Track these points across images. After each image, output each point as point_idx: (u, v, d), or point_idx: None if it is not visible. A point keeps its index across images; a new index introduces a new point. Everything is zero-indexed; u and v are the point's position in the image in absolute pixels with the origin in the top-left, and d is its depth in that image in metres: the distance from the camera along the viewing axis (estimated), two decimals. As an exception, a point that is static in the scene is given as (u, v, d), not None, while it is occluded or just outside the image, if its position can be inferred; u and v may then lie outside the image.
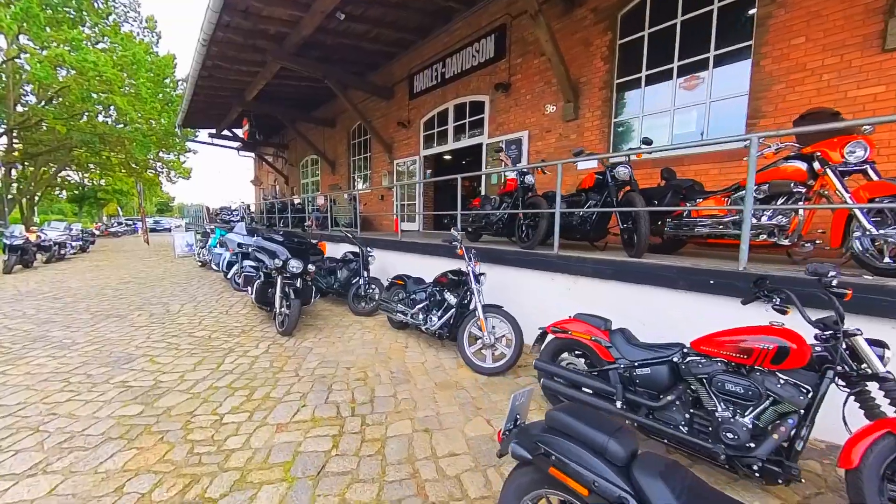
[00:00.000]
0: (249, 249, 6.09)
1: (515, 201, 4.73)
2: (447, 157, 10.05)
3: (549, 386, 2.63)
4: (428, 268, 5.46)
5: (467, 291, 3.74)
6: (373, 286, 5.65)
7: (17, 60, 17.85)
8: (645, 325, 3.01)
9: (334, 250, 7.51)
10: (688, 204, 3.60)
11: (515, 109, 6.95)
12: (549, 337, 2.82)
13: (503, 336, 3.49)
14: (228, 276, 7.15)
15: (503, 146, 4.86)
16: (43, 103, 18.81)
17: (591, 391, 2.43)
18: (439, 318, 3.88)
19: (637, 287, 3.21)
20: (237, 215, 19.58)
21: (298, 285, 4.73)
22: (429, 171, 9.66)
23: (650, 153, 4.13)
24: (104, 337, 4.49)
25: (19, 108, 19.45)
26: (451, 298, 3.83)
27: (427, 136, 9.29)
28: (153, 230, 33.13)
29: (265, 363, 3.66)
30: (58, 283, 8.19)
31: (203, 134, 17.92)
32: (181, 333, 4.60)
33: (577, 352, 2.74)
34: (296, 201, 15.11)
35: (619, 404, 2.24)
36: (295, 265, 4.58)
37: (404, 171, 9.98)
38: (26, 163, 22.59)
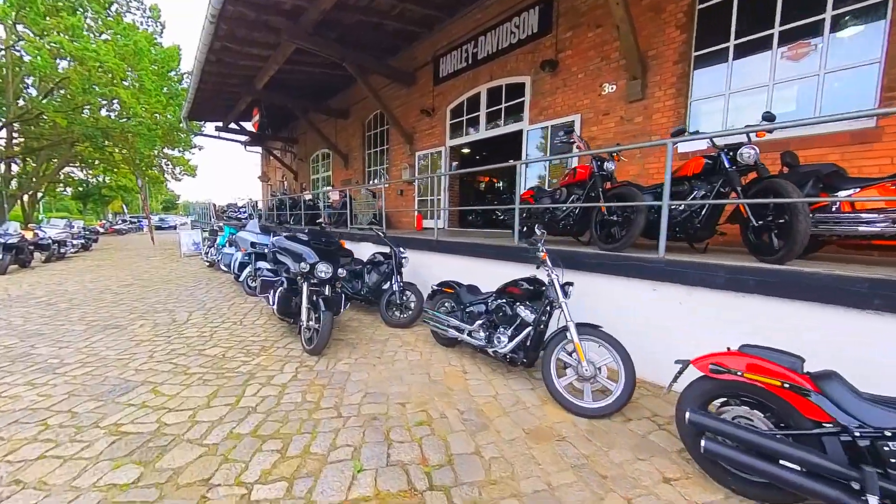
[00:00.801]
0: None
1: (589, 192, 3.93)
2: (466, 150, 9.25)
3: (712, 450, 1.84)
4: (475, 273, 4.68)
5: (548, 306, 2.97)
6: (408, 293, 4.88)
7: (15, 50, 17.19)
8: (819, 359, 2.21)
9: (357, 251, 6.75)
10: (832, 194, 2.80)
11: (564, 91, 6.13)
12: (690, 373, 2.04)
13: (603, 365, 2.71)
14: (240, 279, 6.42)
15: (570, 128, 4.02)
16: (43, 96, 18.14)
17: (797, 465, 1.63)
18: (510, 339, 3.10)
19: (796, 305, 2.41)
20: (244, 212, 18.91)
21: (327, 293, 3.97)
22: (454, 164, 8.87)
23: (757, 132, 3.31)
24: (98, 355, 3.75)
25: (20, 103, 18.86)
26: (527, 314, 3.05)
27: (454, 125, 8.48)
28: (158, 228, 32.61)
29: (296, 395, 2.90)
30: (53, 286, 7.49)
31: (209, 128, 17.23)
32: (190, 351, 3.86)
33: (745, 400, 1.95)
34: (307, 197, 14.42)
35: (874, 501, 1.43)
36: (324, 270, 3.82)
37: (427, 163, 9.18)
38: (27, 158, 22.02)
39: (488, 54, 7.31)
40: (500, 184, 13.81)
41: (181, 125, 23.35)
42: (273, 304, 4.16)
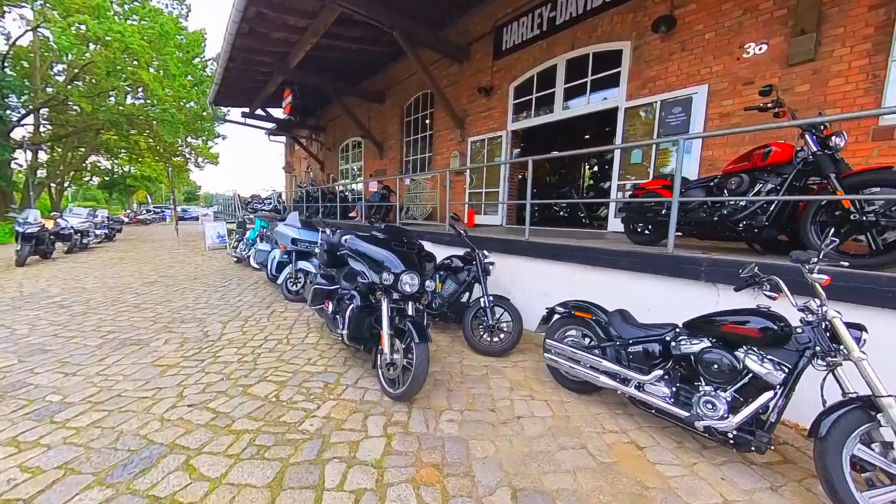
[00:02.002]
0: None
1: (793, 181, 2.72)
2: (525, 135, 8.05)
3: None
4: (589, 289, 3.56)
5: (802, 358, 1.83)
6: (498, 309, 3.79)
7: (40, 31, 16.77)
8: None
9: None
10: None
11: (682, 56, 4.88)
12: None
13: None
14: (279, 282, 5.45)
15: (769, 88, 2.81)
16: (69, 81, 17.71)
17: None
18: (731, 407, 1.97)
19: None
20: (268, 204, 18.20)
21: (411, 312, 2.93)
22: (516, 151, 7.70)
23: None
24: (112, 388, 2.81)
25: (49, 90, 18.53)
26: (768, 371, 1.90)
27: (519, 105, 7.31)
28: (180, 219, 32.53)
29: (404, 489, 1.85)
30: (71, 282, 6.72)
31: (234, 115, 16.47)
32: (231, 387, 2.87)
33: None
34: (338, 188, 13.49)
35: None
36: (409, 282, 2.77)
37: (482, 151, 8.04)
38: (54, 145, 21.85)
39: (571, 17, 6.09)
40: (555, 175, 12.52)
41: (205, 114, 22.88)
42: (342, 327, 3.10)
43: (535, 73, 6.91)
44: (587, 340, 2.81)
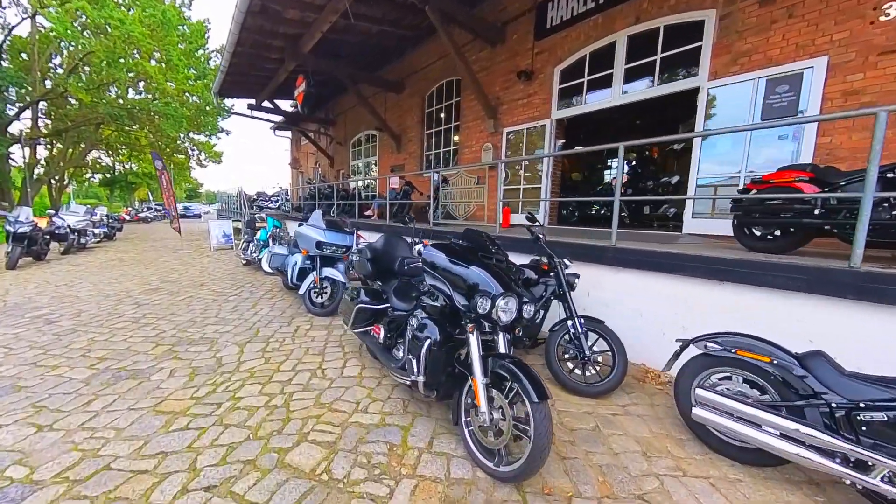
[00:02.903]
0: (356, 258, 3.56)
1: None
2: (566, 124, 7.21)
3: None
4: (715, 311, 2.76)
5: None
6: (592, 334, 2.99)
7: (39, 21, 16.01)
8: None
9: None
10: None
11: (789, 24, 4.05)
12: None
13: None
14: (301, 292, 4.67)
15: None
16: (68, 72, 16.94)
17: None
18: None
19: None
20: (275, 202, 17.44)
21: (504, 348, 2.14)
22: (560, 143, 6.89)
23: None
24: (97, 455, 2.03)
25: (48, 84, 17.78)
26: None
27: (566, 91, 6.49)
28: (182, 217, 31.85)
29: None
30: (63, 289, 5.95)
31: (240, 107, 15.65)
32: (262, 453, 2.09)
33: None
34: (352, 185, 12.72)
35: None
36: (506, 308, 1.97)
37: (518, 142, 7.23)
38: (53, 140, 21.13)
39: (636, -15, 5.26)
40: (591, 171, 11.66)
41: (208, 108, 22.11)
42: (417, 372, 2.25)
43: (587, 54, 6.08)
44: (770, 395, 2.00)
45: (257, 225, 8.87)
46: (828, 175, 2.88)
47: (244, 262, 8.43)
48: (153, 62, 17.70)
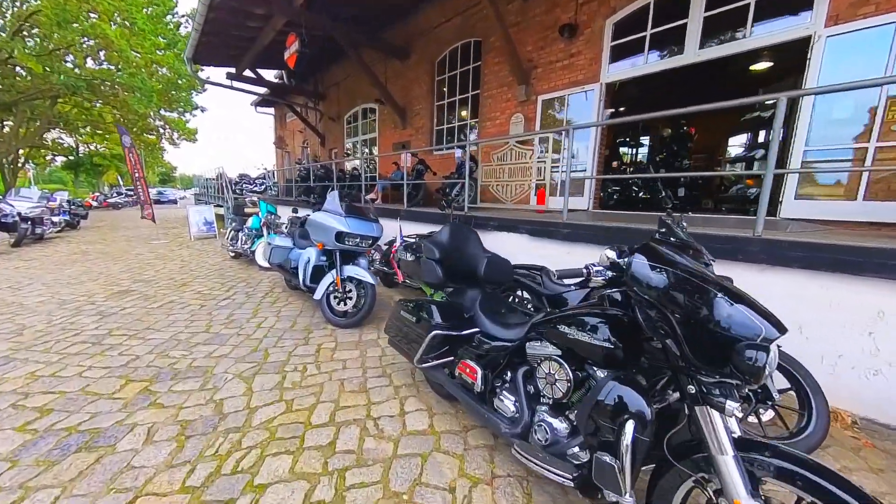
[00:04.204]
0: (405, 256, 2.55)
1: None
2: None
3: None
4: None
5: None
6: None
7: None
8: None
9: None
10: None
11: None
12: None
13: None
14: (318, 297, 3.64)
15: None
16: (11, 35, 14.68)
17: None
18: None
19: None
20: (260, 185, 15.96)
21: (737, 427, 1.21)
22: (608, 112, 5.90)
23: None
24: None
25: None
26: None
27: (619, 49, 5.46)
28: (156, 202, 29.63)
29: None
30: (6, 293, 4.73)
31: (218, 77, 13.89)
32: None
33: None
34: (349, 166, 11.49)
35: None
36: (775, 360, 1.03)
37: (553, 112, 6.21)
38: (1, 117, 18.76)
39: None
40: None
41: (180, 81, 19.99)
42: (599, 472, 1.27)
43: (650, 1, 5.05)
44: None
45: (247, 211, 7.67)
46: None
47: (232, 254, 7.26)
48: (114, 26, 15.56)
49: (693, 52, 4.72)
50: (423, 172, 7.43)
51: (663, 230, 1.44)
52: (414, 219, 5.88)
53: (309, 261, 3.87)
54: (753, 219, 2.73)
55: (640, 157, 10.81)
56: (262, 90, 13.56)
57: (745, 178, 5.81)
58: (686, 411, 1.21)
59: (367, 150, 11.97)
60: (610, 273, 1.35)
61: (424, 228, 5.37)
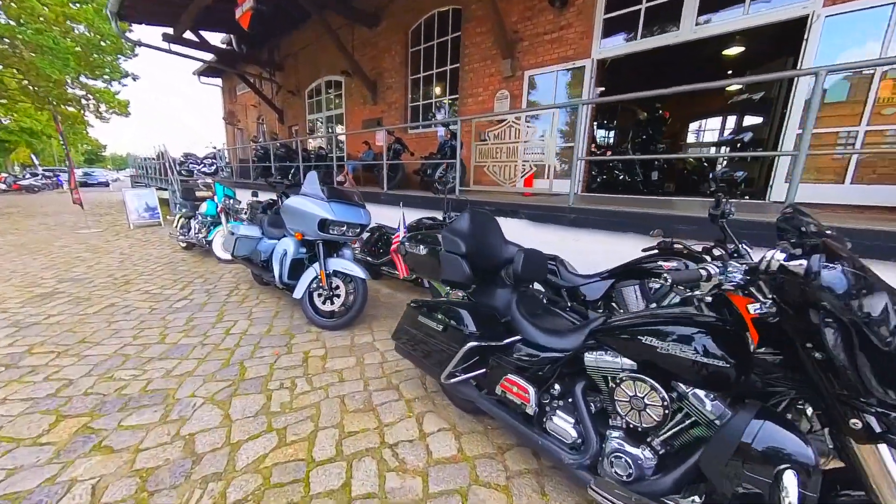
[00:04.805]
0: (349, 237, 2.14)
1: None
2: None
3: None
4: None
5: None
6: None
7: None
8: None
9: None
10: None
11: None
12: None
13: None
14: (299, 296, 3.15)
15: None
16: None
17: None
18: None
19: None
20: (210, 165, 14.34)
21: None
22: (599, 90, 5.69)
23: None
24: None
25: None
26: None
27: (612, 23, 5.20)
28: (84, 185, 26.09)
29: None
30: None
31: (152, 40, 11.99)
32: None
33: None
34: (312, 144, 10.55)
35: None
36: None
37: (549, 89, 5.89)
38: None
39: None
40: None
41: (104, 43, 17.24)
42: None
43: (646, -30, 4.79)
44: None
45: (199, 195, 6.73)
46: None
47: (184, 244, 6.36)
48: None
49: (689, 29, 4.56)
50: (401, 152, 6.88)
51: (789, 215, 1.17)
52: (396, 203, 5.40)
53: (286, 254, 3.32)
54: (750, 201, 2.63)
55: (615, 140, 10.88)
56: (208, 57, 11.98)
57: (732, 161, 5.91)
58: (836, 449, 0.97)
59: (333, 128, 11.03)
60: (741, 277, 1.07)
61: (411, 214, 4.92)
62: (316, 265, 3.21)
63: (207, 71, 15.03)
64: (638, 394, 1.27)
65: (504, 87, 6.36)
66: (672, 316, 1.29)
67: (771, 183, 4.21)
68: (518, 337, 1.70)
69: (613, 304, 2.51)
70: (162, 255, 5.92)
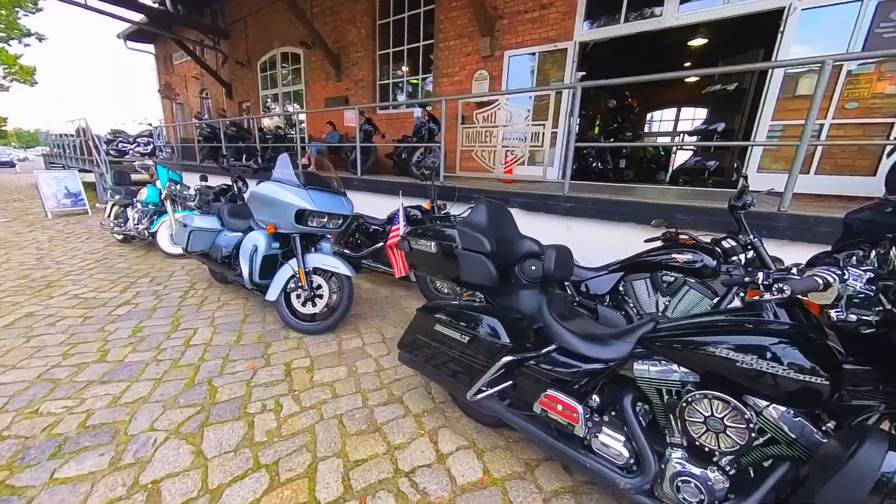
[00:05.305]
0: (327, 229, 1.85)
1: None
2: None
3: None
4: None
5: None
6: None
7: None
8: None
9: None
10: None
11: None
12: None
13: None
14: (273, 297, 2.75)
15: None
16: None
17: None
18: None
19: None
20: (145, 145, 12.64)
21: None
22: (580, 74, 5.58)
23: None
24: None
25: None
26: None
27: (595, 3, 5.05)
28: (-18, 164, 22.18)
29: None
30: None
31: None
32: None
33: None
34: (267, 123, 9.63)
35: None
36: None
37: (533, 71, 5.68)
38: None
39: None
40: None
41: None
42: None
43: (631, -51, 4.67)
44: None
45: (135, 179, 5.82)
46: None
47: (120, 237, 5.49)
48: None
49: (672, 16, 4.54)
50: (372, 134, 6.41)
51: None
52: (373, 190, 5.00)
53: (256, 250, 2.87)
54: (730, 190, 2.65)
55: (579, 128, 11.05)
56: (137, 17, 10.34)
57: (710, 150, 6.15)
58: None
59: (291, 106, 10.08)
60: (863, 286, 0.93)
61: (387, 203, 4.57)
62: (293, 262, 2.81)
63: (136, 35, 13.05)
64: (715, 414, 1.13)
65: (483, 68, 6.06)
66: (746, 323, 1.16)
67: (745, 172, 4.36)
68: (553, 346, 1.51)
69: (625, 298, 2.41)
70: (93, 251, 5.05)
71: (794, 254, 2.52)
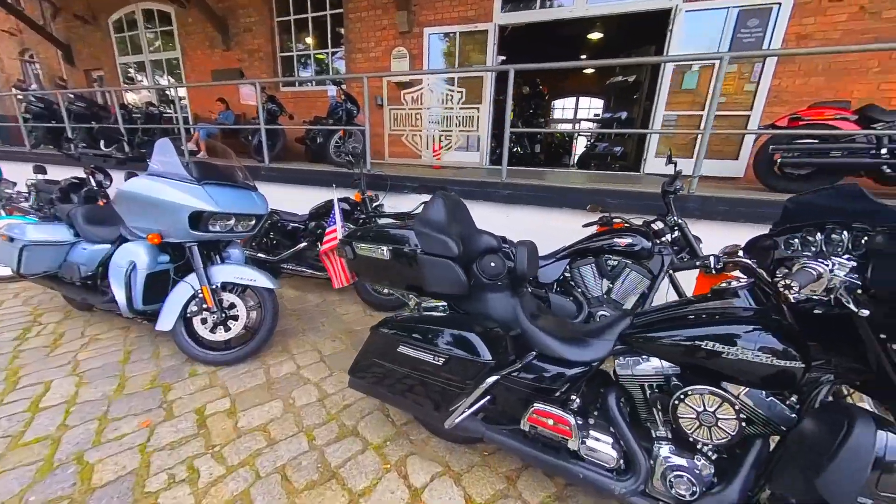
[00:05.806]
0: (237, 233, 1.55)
1: None
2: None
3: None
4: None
5: None
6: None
7: None
8: None
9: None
10: None
11: (772, -53, 3.89)
12: None
13: None
14: (166, 328, 2.13)
15: None
16: None
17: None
18: None
19: None
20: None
21: None
22: (501, 58, 5.57)
23: None
24: None
25: None
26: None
27: (512, -14, 5.03)
28: None
29: None
30: None
31: None
32: None
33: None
34: (133, 98, 7.77)
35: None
36: None
37: (447, 51, 5.47)
38: None
39: None
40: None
41: None
42: None
43: (544, -65, 4.71)
44: None
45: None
46: (874, 112, 2.91)
47: None
48: None
49: (583, 7, 4.75)
50: (278, 114, 5.56)
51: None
52: (286, 180, 4.34)
53: (134, 267, 2.15)
54: (627, 174, 2.95)
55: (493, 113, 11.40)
56: None
57: (612, 137, 6.76)
58: None
59: (166, 79, 8.22)
60: (847, 275, 0.95)
61: (305, 195, 4.00)
62: (192, 278, 2.21)
63: None
64: (708, 408, 1.12)
65: (401, 45, 5.64)
66: (720, 313, 1.17)
67: (644, 157, 4.91)
68: (534, 353, 1.39)
69: (572, 284, 2.45)
70: None
71: (701, 230, 2.85)
